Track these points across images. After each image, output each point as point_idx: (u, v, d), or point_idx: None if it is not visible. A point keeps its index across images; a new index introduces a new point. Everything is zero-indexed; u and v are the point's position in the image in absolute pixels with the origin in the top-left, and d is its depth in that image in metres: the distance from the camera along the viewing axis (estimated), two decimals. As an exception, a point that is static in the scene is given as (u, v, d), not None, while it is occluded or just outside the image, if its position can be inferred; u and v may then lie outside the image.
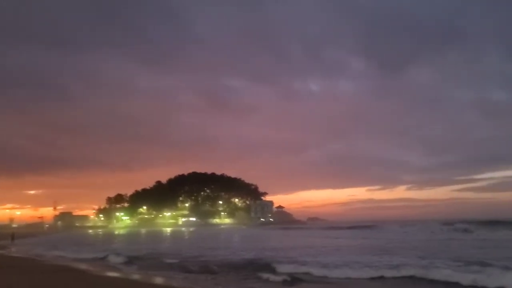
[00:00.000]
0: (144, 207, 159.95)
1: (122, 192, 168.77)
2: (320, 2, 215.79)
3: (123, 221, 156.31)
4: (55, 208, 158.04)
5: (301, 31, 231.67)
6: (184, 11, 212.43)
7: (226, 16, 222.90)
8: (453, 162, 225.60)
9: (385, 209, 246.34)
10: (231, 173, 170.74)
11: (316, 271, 12.61)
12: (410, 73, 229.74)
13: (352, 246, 24.83)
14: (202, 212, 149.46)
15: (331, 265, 13.72)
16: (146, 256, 20.02)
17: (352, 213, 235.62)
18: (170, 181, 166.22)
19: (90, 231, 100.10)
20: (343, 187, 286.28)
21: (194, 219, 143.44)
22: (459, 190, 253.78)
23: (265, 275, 12.42)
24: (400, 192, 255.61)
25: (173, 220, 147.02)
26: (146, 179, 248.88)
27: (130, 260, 18.23)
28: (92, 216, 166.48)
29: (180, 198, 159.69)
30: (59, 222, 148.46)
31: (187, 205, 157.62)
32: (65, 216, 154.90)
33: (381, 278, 11.48)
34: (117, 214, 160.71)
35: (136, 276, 13.40)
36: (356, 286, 11.16)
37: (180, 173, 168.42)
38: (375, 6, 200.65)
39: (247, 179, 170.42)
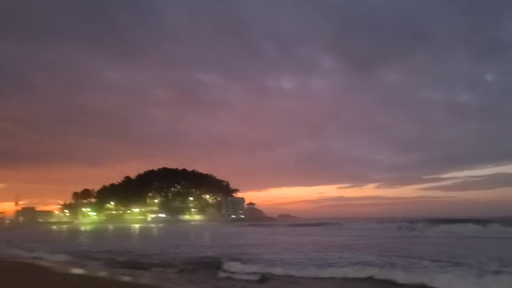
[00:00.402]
0: (112, 203, 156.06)
1: (90, 187, 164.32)
2: None
3: (89, 217, 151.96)
4: (16, 203, 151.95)
5: (274, 28, 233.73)
6: (156, 4, 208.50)
7: (199, 11, 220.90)
8: (421, 161, 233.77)
9: (354, 206, 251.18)
10: (203, 169, 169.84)
11: (279, 270, 12.15)
12: (381, 73, 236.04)
13: (317, 244, 24.71)
14: (172, 208, 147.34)
15: (293, 263, 13.34)
16: (96, 254, 18.88)
17: (322, 210, 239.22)
18: (140, 176, 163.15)
19: (54, 227, 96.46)
20: (314, 184, 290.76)
21: (163, 215, 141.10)
22: (426, 189, 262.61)
23: (226, 274, 11.91)
24: (369, 190, 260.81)
25: (142, 217, 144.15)
26: (115, 175, 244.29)
27: (75, 259, 16.97)
28: (56, 212, 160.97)
29: (150, 194, 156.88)
30: (21, 218, 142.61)
31: (156, 201, 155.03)
32: (27, 211, 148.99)
33: (331, 278, 11.09)
34: (84, 209, 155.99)
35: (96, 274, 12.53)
36: (321, 285, 10.79)
37: (150, 168, 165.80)
38: (347, 6, 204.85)
39: (219, 176, 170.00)
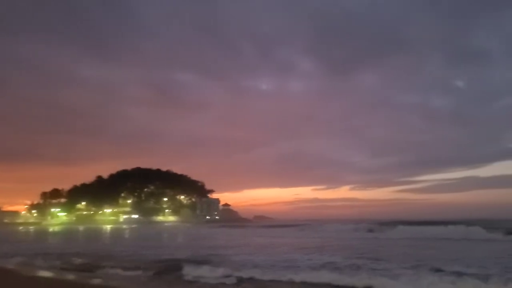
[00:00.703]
0: (83, 203, 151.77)
1: (60, 187, 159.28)
2: (272, 1, 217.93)
3: (59, 217, 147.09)
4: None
5: (253, 29, 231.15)
6: (132, 2, 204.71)
7: (177, 9, 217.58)
8: (395, 164, 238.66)
9: (329, 208, 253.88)
10: (178, 169, 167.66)
11: (246, 273, 11.87)
12: (358, 77, 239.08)
13: (286, 245, 24.62)
14: (146, 209, 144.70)
15: (261, 266, 13.10)
16: (56, 256, 18.03)
17: (298, 211, 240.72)
18: (112, 176, 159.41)
19: (20, 228, 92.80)
20: (289, 186, 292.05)
21: (136, 216, 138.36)
22: (399, 191, 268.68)
23: (192, 277, 11.53)
24: (344, 192, 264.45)
25: (114, 217, 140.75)
26: (86, 174, 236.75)
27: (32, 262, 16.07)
28: (23, 212, 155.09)
29: (122, 194, 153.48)
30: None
31: (129, 201, 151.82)
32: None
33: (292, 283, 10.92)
34: (53, 210, 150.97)
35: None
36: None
37: (124, 168, 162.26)
38: (326, 9, 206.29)
39: (194, 176, 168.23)
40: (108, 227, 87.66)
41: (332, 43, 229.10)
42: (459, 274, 10.61)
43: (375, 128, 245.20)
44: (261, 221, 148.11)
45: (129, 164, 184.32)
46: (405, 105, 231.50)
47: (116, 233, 51.02)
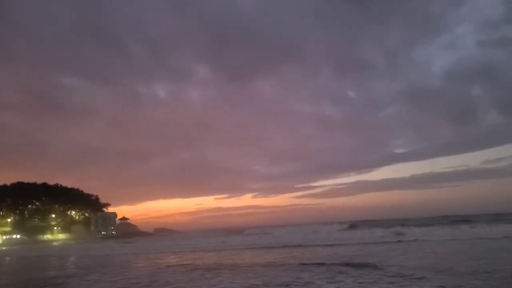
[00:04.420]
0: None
1: None
2: (164, 3, 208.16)
3: None
4: None
5: (143, 32, 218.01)
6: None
7: (58, 8, 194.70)
8: (294, 171, 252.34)
9: (232, 217, 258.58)
10: (68, 183, 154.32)
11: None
12: (255, 85, 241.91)
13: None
14: (30, 227, 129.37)
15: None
16: None
17: (201, 221, 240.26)
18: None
19: None
20: (191, 196, 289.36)
21: (18, 236, 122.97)
22: (298, 197, 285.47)
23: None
24: (246, 200, 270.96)
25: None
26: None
27: None
28: None
29: (1, 213, 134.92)
30: None
31: (9, 220, 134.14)
32: None
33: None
34: None
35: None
36: None
37: (1, 183, 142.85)
38: (220, 15, 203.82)
39: (87, 190, 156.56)
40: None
41: (227, 50, 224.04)
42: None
43: (274, 136, 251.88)
44: (162, 234, 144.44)
45: (7, 178, 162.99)
46: (301, 113, 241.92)
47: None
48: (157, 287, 12.63)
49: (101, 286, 13.57)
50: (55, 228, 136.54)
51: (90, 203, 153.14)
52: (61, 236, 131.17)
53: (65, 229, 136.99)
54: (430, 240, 27.68)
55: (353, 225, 72.64)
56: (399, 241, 28.84)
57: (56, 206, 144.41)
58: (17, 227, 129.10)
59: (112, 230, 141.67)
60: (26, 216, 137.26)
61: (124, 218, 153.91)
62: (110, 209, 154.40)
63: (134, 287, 12.92)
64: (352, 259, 17.38)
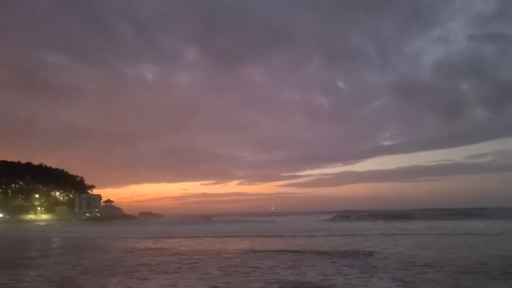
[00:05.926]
0: None
1: None
2: None
3: None
4: None
5: (133, 13, 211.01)
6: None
7: None
8: (281, 160, 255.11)
9: (218, 203, 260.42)
10: (52, 163, 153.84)
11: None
12: (244, 71, 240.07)
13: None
14: (13, 207, 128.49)
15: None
16: None
17: (186, 207, 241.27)
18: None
19: None
20: (177, 181, 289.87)
21: (1, 215, 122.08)
22: (284, 186, 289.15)
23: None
24: (232, 187, 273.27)
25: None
26: None
27: None
28: None
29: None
30: None
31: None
32: None
33: None
34: None
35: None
36: None
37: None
38: None
39: (71, 170, 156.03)
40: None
41: (217, 33, 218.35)
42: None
43: (262, 123, 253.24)
44: (147, 218, 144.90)
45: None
46: (289, 102, 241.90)
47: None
48: (125, 269, 13.11)
49: (68, 268, 13.97)
50: (39, 208, 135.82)
51: (75, 185, 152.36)
52: (45, 216, 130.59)
53: (48, 209, 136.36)
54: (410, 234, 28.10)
55: (337, 216, 72.81)
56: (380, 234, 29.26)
57: (40, 186, 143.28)
58: (1, 206, 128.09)
59: (97, 212, 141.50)
60: (10, 195, 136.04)
61: (109, 201, 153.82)
62: (95, 191, 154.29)
63: (102, 269, 13.38)
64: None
